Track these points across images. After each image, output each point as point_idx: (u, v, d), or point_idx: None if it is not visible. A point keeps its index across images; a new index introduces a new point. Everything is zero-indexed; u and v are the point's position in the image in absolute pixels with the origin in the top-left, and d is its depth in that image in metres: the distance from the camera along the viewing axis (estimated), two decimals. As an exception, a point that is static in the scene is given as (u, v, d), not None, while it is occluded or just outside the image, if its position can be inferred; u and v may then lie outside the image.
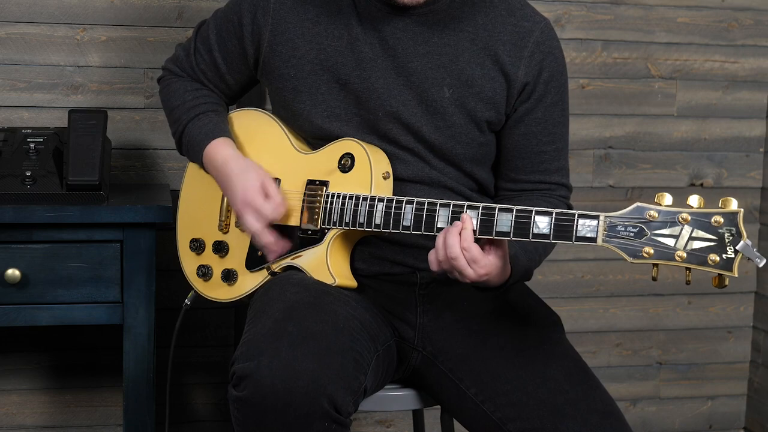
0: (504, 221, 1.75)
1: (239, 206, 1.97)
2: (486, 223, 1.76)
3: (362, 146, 1.94)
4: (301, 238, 1.96)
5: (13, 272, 2.15)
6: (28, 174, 2.18)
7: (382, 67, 1.95)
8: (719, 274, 1.60)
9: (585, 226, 1.69)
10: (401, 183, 1.96)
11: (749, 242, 1.57)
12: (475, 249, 1.76)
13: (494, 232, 1.75)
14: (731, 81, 2.91)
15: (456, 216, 1.78)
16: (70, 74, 2.55)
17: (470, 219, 1.76)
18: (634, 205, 1.65)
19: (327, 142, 1.98)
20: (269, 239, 1.96)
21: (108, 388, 2.66)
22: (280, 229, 1.99)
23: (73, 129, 2.23)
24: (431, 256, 1.80)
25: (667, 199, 1.64)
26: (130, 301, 2.21)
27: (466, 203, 1.79)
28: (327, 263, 1.93)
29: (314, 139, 2.01)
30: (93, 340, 2.62)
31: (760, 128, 2.96)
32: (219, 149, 2.02)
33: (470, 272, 1.77)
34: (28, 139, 2.26)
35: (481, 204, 1.77)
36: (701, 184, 2.93)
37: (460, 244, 1.75)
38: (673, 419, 3.01)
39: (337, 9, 1.98)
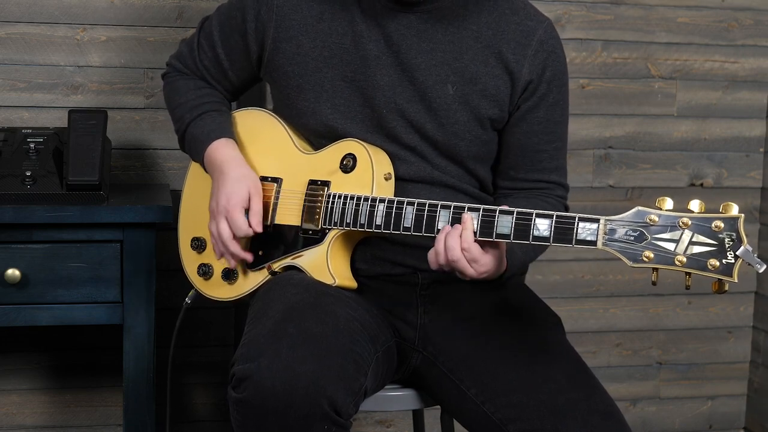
0: (504, 223, 1.75)
1: (218, 209, 1.97)
2: (486, 225, 1.76)
3: (364, 147, 1.94)
4: (302, 238, 1.97)
5: (13, 272, 2.15)
6: (28, 174, 2.18)
7: (386, 64, 1.95)
8: (719, 279, 1.60)
9: (585, 230, 1.69)
10: (404, 183, 1.96)
11: (749, 247, 1.57)
12: (476, 249, 1.76)
13: (494, 234, 1.75)
14: (731, 81, 2.91)
15: (457, 217, 1.79)
16: (70, 74, 2.55)
17: (471, 219, 1.76)
18: (635, 209, 1.65)
19: (330, 141, 1.98)
20: (235, 248, 1.98)
21: (108, 388, 2.66)
22: (279, 228, 1.99)
23: (73, 129, 2.23)
24: (431, 255, 1.80)
25: (668, 203, 1.64)
26: (130, 301, 2.21)
27: (467, 205, 1.79)
28: (327, 263, 1.93)
29: (318, 137, 2.01)
30: (93, 340, 2.62)
31: (760, 128, 2.96)
32: (221, 149, 2.02)
33: (471, 271, 1.78)
34: (28, 139, 2.26)
35: (482, 206, 1.77)
36: (701, 184, 2.93)
37: (461, 245, 1.76)
38: (673, 419, 3.01)
39: (341, 6, 1.98)
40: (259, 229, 1.97)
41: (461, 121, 1.96)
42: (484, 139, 2.00)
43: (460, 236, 1.76)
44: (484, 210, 1.77)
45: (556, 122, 2.02)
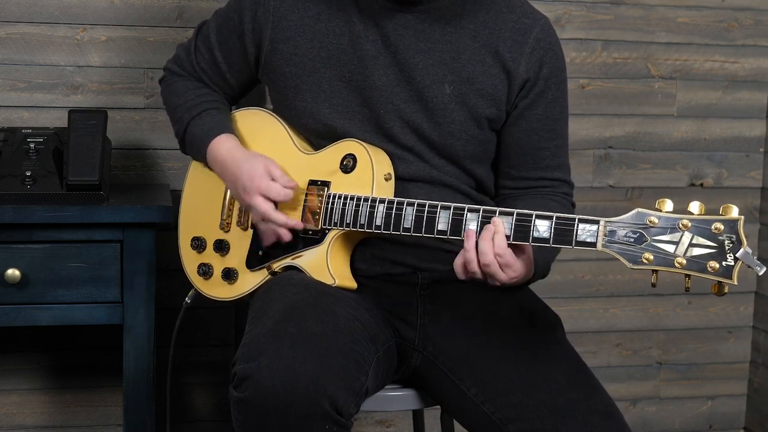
0: (504, 225, 1.75)
1: (246, 192, 1.96)
2: (521, 229, 1.75)
3: (364, 147, 1.94)
4: (302, 238, 1.97)
5: (13, 272, 2.15)
6: (28, 174, 2.18)
7: (384, 64, 1.95)
8: (719, 281, 1.60)
9: (585, 231, 1.69)
10: (402, 182, 1.96)
11: (749, 250, 1.57)
12: (509, 254, 1.75)
13: (531, 238, 1.74)
14: (731, 81, 2.91)
15: (457, 218, 1.78)
16: (70, 74, 2.55)
17: (502, 223, 1.75)
18: (635, 210, 1.65)
19: (330, 141, 1.98)
20: (281, 217, 1.95)
21: (108, 388, 2.66)
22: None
23: (73, 129, 2.23)
24: (458, 264, 1.78)
25: (668, 205, 1.64)
26: (130, 301, 2.21)
27: (467, 206, 1.79)
28: (327, 264, 1.93)
29: (317, 137, 2.01)
30: (93, 340, 2.62)
31: (760, 128, 2.96)
32: (222, 145, 2.03)
33: (503, 276, 1.77)
34: (28, 139, 2.26)
35: (482, 207, 1.77)
36: (701, 184, 2.93)
37: (494, 250, 1.75)
38: (673, 419, 3.01)
39: (338, 6, 1.98)
40: (293, 185, 1.96)
41: (458, 120, 1.96)
42: (480, 139, 1.99)
43: (493, 240, 1.75)
44: (484, 211, 1.76)
45: (555, 119, 2.02)
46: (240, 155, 2.00)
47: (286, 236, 1.97)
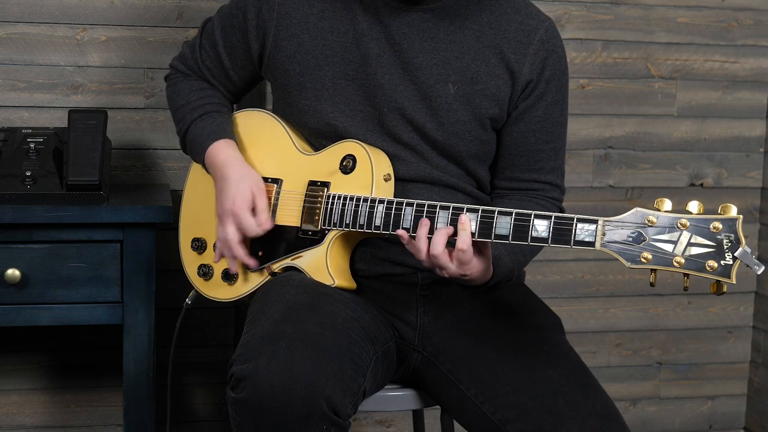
0: (503, 224, 1.75)
1: (224, 213, 1.98)
2: (485, 226, 1.76)
3: (364, 148, 1.94)
4: (302, 239, 1.97)
5: (13, 272, 2.15)
6: (28, 174, 2.18)
7: (388, 63, 1.95)
8: (717, 280, 1.60)
9: (583, 231, 1.69)
10: (403, 183, 1.96)
11: (748, 249, 1.57)
12: (470, 252, 1.76)
13: (493, 235, 1.75)
14: (731, 81, 2.91)
15: (456, 218, 1.79)
16: (70, 74, 2.55)
17: (469, 221, 1.76)
18: (633, 209, 1.65)
19: (330, 140, 1.99)
20: (240, 253, 1.98)
21: (108, 388, 2.66)
22: (279, 229, 1.99)
23: (73, 129, 2.23)
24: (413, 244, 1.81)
25: (667, 204, 1.64)
26: (130, 301, 2.22)
27: (466, 206, 1.79)
28: (327, 264, 1.93)
29: (317, 136, 2.01)
30: (93, 340, 2.63)
31: (760, 128, 2.96)
32: (221, 150, 2.03)
33: (453, 269, 1.77)
34: (28, 139, 2.26)
35: (481, 207, 1.77)
36: (701, 184, 2.93)
37: (459, 245, 1.75)
38: (673, 419, 3.01)
39: (343, 4, 1.98)
40: (269, 225, 1.97)
41: (462, 120, 1.96)
42: (483, 139, 2.00)
43: (457, 237, 1.76)
44: (483, 211, 1.76)
45: (554, 122, 2.02)
46: (233, 171, 1.99)
47: (233, 268, 2.02)
